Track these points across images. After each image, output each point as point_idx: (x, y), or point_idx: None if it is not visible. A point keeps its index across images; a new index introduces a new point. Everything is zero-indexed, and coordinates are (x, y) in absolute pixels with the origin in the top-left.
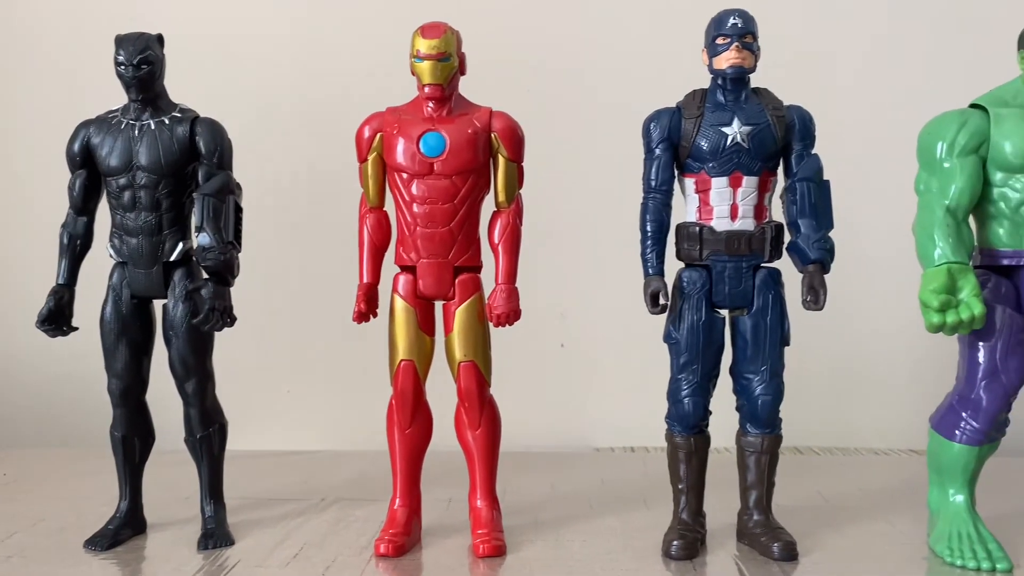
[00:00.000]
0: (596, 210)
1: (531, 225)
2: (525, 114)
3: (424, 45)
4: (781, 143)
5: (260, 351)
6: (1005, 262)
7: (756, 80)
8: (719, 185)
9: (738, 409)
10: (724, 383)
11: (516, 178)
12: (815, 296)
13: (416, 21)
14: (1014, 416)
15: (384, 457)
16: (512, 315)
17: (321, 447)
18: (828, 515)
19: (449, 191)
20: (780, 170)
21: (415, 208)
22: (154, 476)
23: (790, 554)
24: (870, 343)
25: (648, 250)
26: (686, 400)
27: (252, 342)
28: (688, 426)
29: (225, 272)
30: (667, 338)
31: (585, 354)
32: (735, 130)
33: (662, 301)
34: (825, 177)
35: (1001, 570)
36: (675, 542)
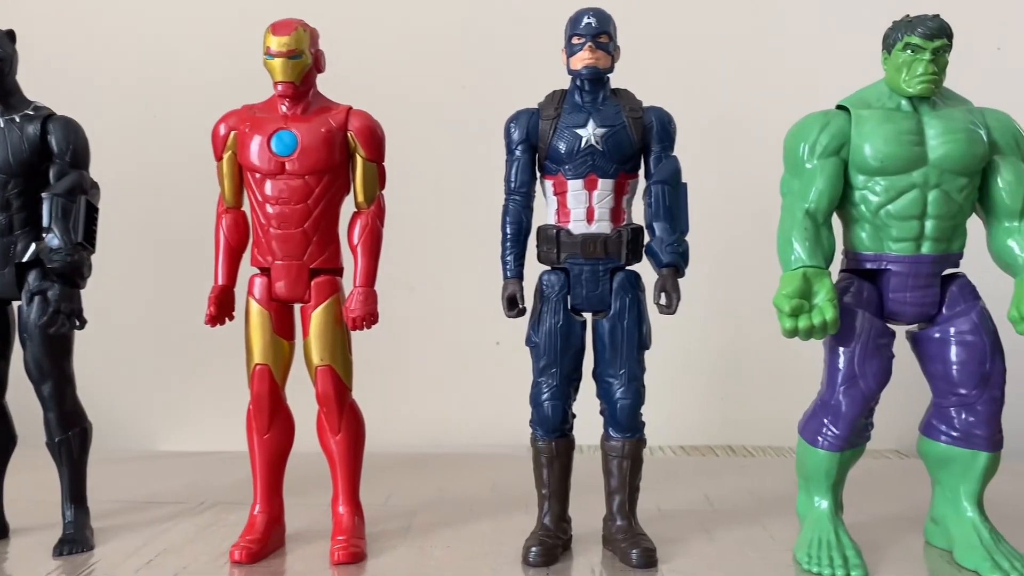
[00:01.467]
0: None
1: (466, 224)
2: (460, 110)
3: (275, 42)
4: (638, 145)
5: (182, 349)
6: (868, 265)
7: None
8: (575, 187)
9: (601, 413)
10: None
11: (376, 178)
12: (668, 299)
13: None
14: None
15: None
16: (368, 318)
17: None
18: (707, 519)
19: (302, 191)
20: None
21: (268, 208)
22: (33, 477)
23: (648, 561)
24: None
25: (507, 252)
26: (546, 404)
27: (175, 340)
28: (549, 430)
29: (73, 274)
30: (527, 341)
31: (521, 352)
32: (589, 132)
33: (519, 305)
34: (684, 180)
35: None
36: (533, 548)
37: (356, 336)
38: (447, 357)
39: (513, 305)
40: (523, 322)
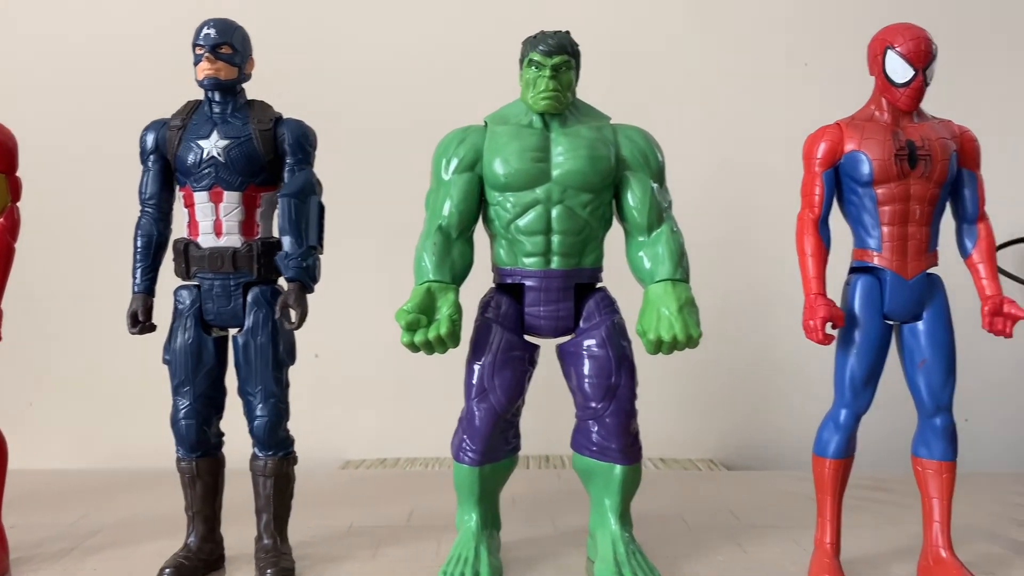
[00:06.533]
0: (358, 215)
1: None
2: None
3: None
4: (268, 157)
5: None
6: (507, 280)
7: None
8: (201, 200)
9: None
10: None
11: (4, 191)
12: (287, 315)
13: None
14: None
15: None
16: None
17: (66, 464)
18: (392, 535)
19: None
20: None
21: None
22: None
23: None
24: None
25: (135, 267)
26: (182, 423)
27: None
28: (188, 449)
29: None
30: (162, 359)
31: (341, 364)
32: (212, 144)
33: (141, 321)
34: (315, 194)
35: None
36: (167, 570)
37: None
38: None
39: (135, 322)
40: (336, 335)
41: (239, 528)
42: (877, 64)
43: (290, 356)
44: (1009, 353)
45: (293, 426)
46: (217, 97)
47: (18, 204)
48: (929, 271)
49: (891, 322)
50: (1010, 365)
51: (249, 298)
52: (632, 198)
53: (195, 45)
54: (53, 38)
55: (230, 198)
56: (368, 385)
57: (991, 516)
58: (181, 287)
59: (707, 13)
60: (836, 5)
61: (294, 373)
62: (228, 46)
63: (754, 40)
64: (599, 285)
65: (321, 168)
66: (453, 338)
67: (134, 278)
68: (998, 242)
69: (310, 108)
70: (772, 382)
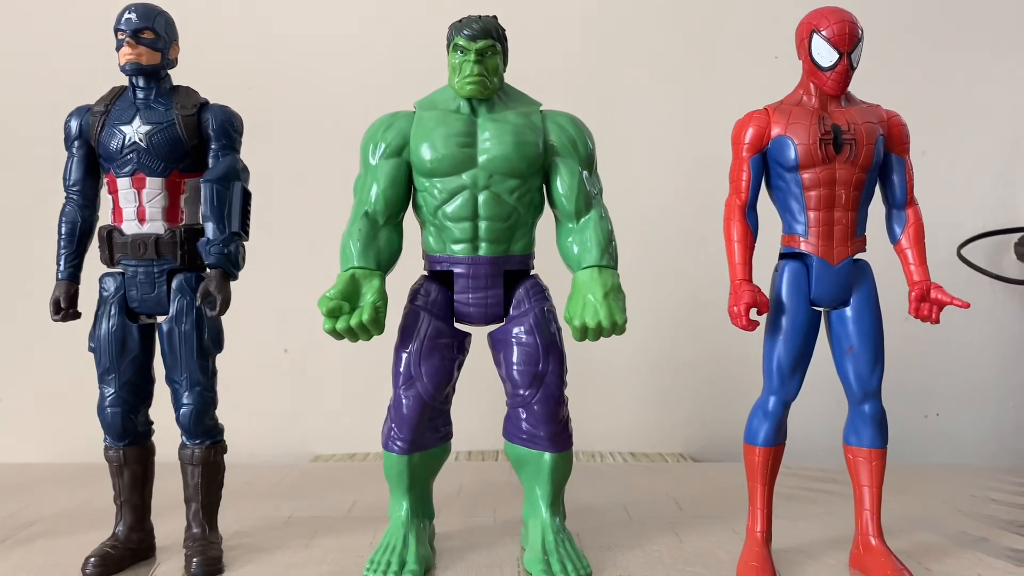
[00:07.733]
0: (325, 207)
1: (257, 221)
2: (249, 111)
3: None
4: (192, 143)
5: None
6: (437, 267)
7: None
8: (123, 186)
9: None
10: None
11: None
12: (211, 302)
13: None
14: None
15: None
16: None
17: (36, 459)
18: (333, 526)
19: None
20: None
21: None
22: None
23: (209, 570)
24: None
25: (59, 253)
26: (108, 411)
27: None
28: (115, 437)
29: None
30: (88, 347)
31: (312, 359)
32: (134, 129)
33: (63, 308)
34: (239, 180)
35: None
36: (92, 559)
37: None
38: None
39: (57, 309)
40: (305, 328)
41: (176, 518)
42: (804, 48)
43: (216, 344)
44: (981, 348)
45: (264, 421)
46: (140, 83)
47: None
48: (857, 257)
49: (819, 308)
50: (981, 360)
51: (174, 285)
52: (561, 184)
53: (117, 30)
54: None
55: (153, 184)
56: (339, 379)
57: (942, 507)
58: (105, 274)
59: (677, 8)
60: None
61: (264, 368)
62: (150, 31)
63: (723, 34)
64: (532, 272)
65: (292, 164)
66: (376, 325)
67: (58, 265)
68: (969, 236)
69: (283, 102)
70: (743, 375)
